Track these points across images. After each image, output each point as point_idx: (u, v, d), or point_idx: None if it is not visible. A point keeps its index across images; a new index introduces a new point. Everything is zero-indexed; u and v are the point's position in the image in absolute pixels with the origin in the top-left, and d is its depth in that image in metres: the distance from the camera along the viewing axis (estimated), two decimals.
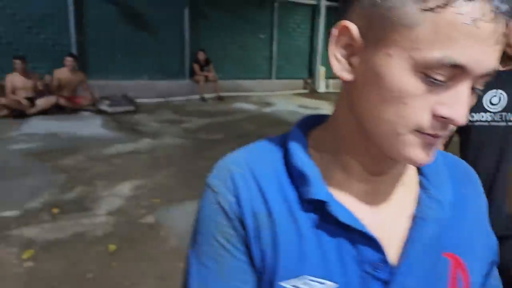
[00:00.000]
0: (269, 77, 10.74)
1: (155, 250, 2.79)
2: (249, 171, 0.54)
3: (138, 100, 8.13)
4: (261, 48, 10.43)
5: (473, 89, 0.43)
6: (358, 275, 0.50)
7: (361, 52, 0.45)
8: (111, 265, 2.59)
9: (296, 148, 0.54)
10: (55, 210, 3.31)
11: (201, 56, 9.02)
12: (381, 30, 0.42)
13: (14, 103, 6.52)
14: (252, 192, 0.53)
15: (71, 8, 7.62)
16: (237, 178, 0.54)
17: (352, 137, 0.51)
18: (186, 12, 8.96)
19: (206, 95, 9.06)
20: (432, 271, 0.52)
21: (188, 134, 6.02)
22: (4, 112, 6.44)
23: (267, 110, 8.35)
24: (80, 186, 3.86)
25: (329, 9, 11.02)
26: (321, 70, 11.24)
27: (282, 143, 0.57)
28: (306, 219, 0.51)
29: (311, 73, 11.31)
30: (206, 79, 9.05)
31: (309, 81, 11.20)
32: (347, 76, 0.47)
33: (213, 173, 0.57)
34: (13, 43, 7.30)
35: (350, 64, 0.47)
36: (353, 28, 0.45)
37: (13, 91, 6.67)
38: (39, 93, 6.87)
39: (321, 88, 11.23)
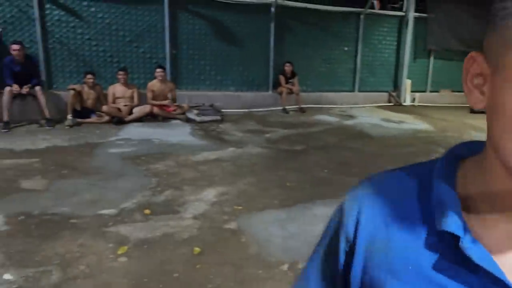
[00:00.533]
0: (352, 90, 10.55)
1: (237, 256, 2.88)
2: (380, 194, 0.53)
3: (224, 110, 8.47)
4: (345, 60, 10.30)
5: None
6: None
7: (489, 80, 0.44)
8: (195, 267, 2.72)
9: (440, 175, 0.51)
10: (147, 211, 3.56)
11: (288, 68, 9.16)
12: (499, 54, 0.41)
13: (114, 110, 7.16)
14: (376, 216, 0.52)
15: (166, 24, 8.20)
16: (365, 200, 0.54)
17: (498, 169, 0.45)
18: (272, 26, 9.17)
19: (289, 107, 9.16)
20: None
21: (270, 144, 6.12)
22: (106, 118, 7.09)
23: (349, 122, 8.20)
24: (169, 190, 4.10)
25: (417, 20, 10.57)
26: (407, 83, 10.79)
27: (430, 169, 0.53)
28: (431, 253, 0.47)
29: (396, 86, 10.90)
30: (290, 91, 9.16)
31: (393, 94, 10.79)
32: (479, 105, 0.45)
33: (351, 189, 0.58)
34: (114, 56, 8.03)
35: (482, 93, 0.45)
36: (478, 56, 0.44)
37: (113, 100, 7.34)
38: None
39: (407, 101, 10.76)
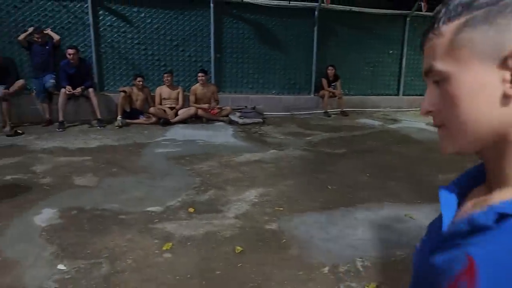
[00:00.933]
0: (397, 94, 10.31)
1: (277, 256, 2.91)
2: None
3: (266, 113, 8.55)
4: (389, 64, 10.09)
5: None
6: None
7: None
8: (237, 266, 2.78)
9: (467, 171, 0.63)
10: (191, 210, 3.67)
11: (330, 71, 9.11)
12: None
13: (161, 112, 7.41)
14: None
15: (212, 28, 8.39)
16: None
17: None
18: (315, 29, 9.15)
19: (331, 110, 9.11)
20: None
21: (311, 147, 6.12)
22: (153, 119, 7.36)
23: (393, 126, 8.03)
24: (213, 189, 4.21)
25: None
26: None
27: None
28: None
29: None
30: (332, 95, 9.10)
31: None
32: None
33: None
34: (162, 59, 8.32)
35: None
36: None
37: (160, 101, 7.60)
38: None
39: None
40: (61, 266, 2.71)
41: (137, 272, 2.67)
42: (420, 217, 3.48)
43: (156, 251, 2.94)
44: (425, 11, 9.44)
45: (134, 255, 2.88)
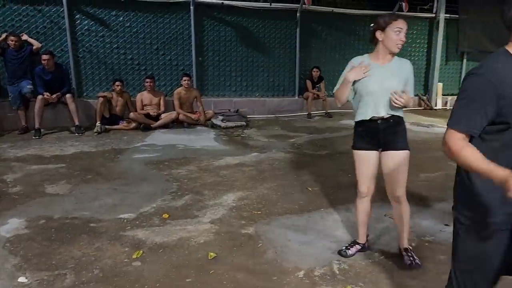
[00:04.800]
0: None
1: (252, 262, 2.80)
2: None
3: (249, 116, 8.44)
4: None
5: None
6: None
7: None
8: (209, 272, 2.66)
9: None
10: (165, 215, 3.54)
11: (315, 73, 9.04)
12: None
13: (141, 117, 7.26)
14: None
15: (192, 31, 8.27)
16: None
17: None
18: (298, 31, 9.09)
19: (315, 112, 9.04)
20: None
21: (294, 149, 6.02)
22: (133, 125, 7.20)
23: None
24: (190, 194, 4.08)
25: (448, 21, 10.23)
26: (438, 86, 10.45)
27: None
28: None
29: (427, 89, 10.56)
30: (317, 96, 9.03)
31: (424, 97, 10.45)
32: None
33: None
34: (142, 63, 8.18)
35: None
36: None
37: (142, 107, 7.45)
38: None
39: (438, 105, 10.43)
40: (22, 279, 2.56)
41: (103, 283, 2.54)
42: None
43: (126, 260, 2.81)
44: (407, 12, 9.46)
45: (101, 265, 2.74)
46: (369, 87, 2.58)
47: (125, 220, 3.44)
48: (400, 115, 2.65)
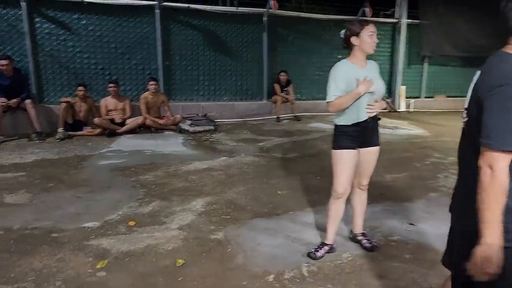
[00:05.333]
0: None
1: (221, 267, 2.76)
2: None
3: (218, 120, 8.40)
4: None
5: None
6: None
7: None
8: (177, 279, 2.60)
9: None
10: (132, 223, 3.45)
11: (283, 77, 9.09)
12: None
13: (106, 122, 7.08)
14: None
15: (158, 35, 8.16)
16: None
17: None
18: (265, 35, 9.13)
19: (284, 115, 9.09)
20: None
21: (263, 153, 6.02)
22: (98, 131, 7.01)
23: None
24: (157, 200, 3.99)
25: (410, 26, 10.55)
26: (401, 89, 10.77)
27: None
28: None
29: (391, 92, 10.85)
30: (285, 100, 9.08)
31: (388, 100, 10.74)
32: None
33: None
34: (106, 68, 7.98)
35: None
36: None
37: (106, 112, 7.26)
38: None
39: (401, 107, 10.74)
40: None
41: None
42: (368, 217, 3.44)
43: (90, 270, 2.71)
44: (370, 17, 9.68)
45: (64, 276, 2.63)
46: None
47: (89, 229, 3.32)
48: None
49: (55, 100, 7.42)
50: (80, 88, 7.00)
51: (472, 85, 1.45)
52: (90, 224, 3.41)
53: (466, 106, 1.48)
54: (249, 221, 3.53)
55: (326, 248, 2.91)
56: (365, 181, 2.98)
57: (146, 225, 3.43)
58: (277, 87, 9.10)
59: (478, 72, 1.43)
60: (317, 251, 2.88)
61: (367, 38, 2.73)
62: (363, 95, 2.67)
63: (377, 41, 2.77)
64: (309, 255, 2.87)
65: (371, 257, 2.91)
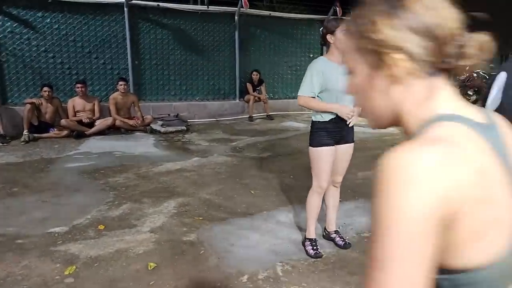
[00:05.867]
0: None
1: (194, 269, 2.71)
2: None
3: (190, 120, 8.30)
4: None
5: None
6: None
7: None
8: (149, 284, 2.54)
9: None
10: (101, 227, 3.35)
11: (255, 76, 9.08)
12: None
13: (74, 124, 6.87)
14: None
15: (127, 34, 7.98)
16: None
17: None
18: (236, 34, 9.10)
19: (256, 115, 9.08)
20: None
21: (236, 153, 5.99)
22: (65, 133, 6.79)
23: None
24: (127, 203, 3.90)
25: None
26: None
27: None
28: None
29: None
30: (258, 99, 9.08)
31: None
32: None
33: None
34: (73, 68, 7.76)
35: None
36: None
37: (74, 113, 7.05)
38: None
39: None
40: None
41: None
42: (341, 215, 3.46)
43: (57, 277, 2.61)
44: (341, 15, 9.79)
45: (29, 284, 2.52)
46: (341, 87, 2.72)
47: (56, 234, 3.21)
48: None
49: (20, 101, 7.14)
50: (46, 88, 6.77)
51: (498, 83, 1.48)
52: (57, 229, 3.29)
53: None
54: (222, 222, 3.49)
55: (316, 241, 2.96)
56: (339, 178, 3.02)
57: (116, 228, 3.34)
58: (249, 86, 9.09)
59: (503, 73, 1.46)
60: (317, 249, 2.90)
61: (342, 36, 2.77)
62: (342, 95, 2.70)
63: None
64: (316, 256, 2.86)
65: (344, 254, 2.93)
